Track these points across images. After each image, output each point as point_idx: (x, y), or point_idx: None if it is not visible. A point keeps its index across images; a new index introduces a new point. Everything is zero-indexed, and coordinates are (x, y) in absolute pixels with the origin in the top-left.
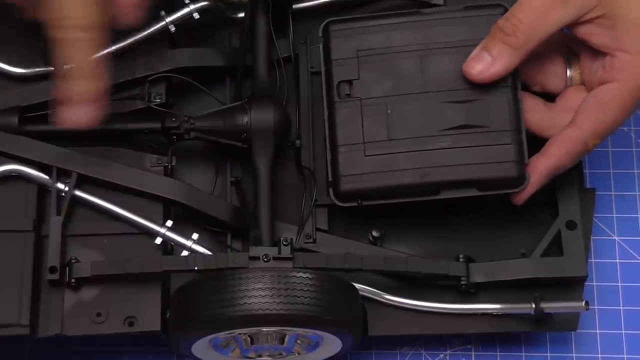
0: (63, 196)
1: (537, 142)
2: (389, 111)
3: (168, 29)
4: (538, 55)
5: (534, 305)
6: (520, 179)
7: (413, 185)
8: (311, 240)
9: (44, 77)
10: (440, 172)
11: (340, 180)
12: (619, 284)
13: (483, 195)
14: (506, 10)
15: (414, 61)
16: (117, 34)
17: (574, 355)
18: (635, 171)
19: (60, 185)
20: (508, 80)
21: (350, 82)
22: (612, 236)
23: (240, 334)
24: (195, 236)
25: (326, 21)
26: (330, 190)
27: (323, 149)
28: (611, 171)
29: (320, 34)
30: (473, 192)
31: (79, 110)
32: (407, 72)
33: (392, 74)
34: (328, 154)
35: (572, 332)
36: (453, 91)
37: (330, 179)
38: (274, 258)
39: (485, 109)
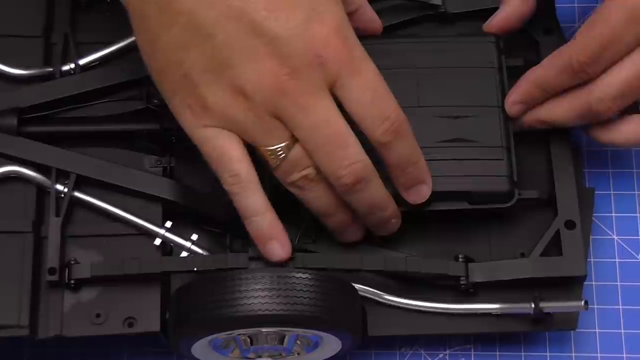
0: (62, 197)
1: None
2: None
3: None
4: None
5: (533, 305)
6: (510, 195)
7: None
8: (311, 240)
9: (44, 78)
10: (433, 183)
11: None
12: (618, 283)
13: (472, 210)
14: (498, 40)
15: (409, 79)
16: (116, 34)
17: (573, 354)
18: (635, 170)
19: (59, 187)
20: (499, 101)
21: None
22: (612, 235)
23: (239, 334)
24: (194, 237)
25: None
26: None
27: None
28: (610, 170)
29: None
30: (464, 205)
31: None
32: (402, 89)
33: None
34: None
35: (572, 332)
36: (447, 107)
37: None
38: None
39: (478, 126)
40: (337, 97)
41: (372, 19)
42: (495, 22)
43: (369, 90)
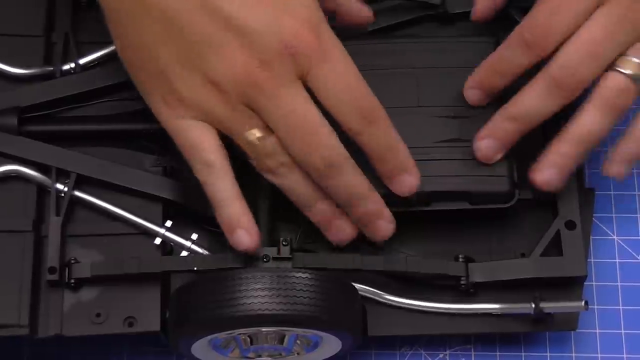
0: (62, 196)
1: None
2: None
3: None
4: None
5: (533, 305)
6: (510, 195)
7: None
8: (310, 240)
9: (44, 77)
10: (433, 183)
11: None
12: (619, 283)
13: (472, 210)
14: (497, 40)
15: (409, 80)
16: None
17: (573, 355)
18: (635, 171)
19: (60, 186)
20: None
21: None
22: (612, 236)
23: (239, 334)
24: (194, 236)
25: None
26: None
27: None
28: None
29: None
30: (464, 205)
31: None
32: (402, 89)
33: (387, 89)
34: None
35: (572, 332)
36: (447, 107)
37: None
38: (274, 258)
39: (478, 126)
40: (310, 88)
41: (359, 10)
42: (478, 11)
43: (341, 80)
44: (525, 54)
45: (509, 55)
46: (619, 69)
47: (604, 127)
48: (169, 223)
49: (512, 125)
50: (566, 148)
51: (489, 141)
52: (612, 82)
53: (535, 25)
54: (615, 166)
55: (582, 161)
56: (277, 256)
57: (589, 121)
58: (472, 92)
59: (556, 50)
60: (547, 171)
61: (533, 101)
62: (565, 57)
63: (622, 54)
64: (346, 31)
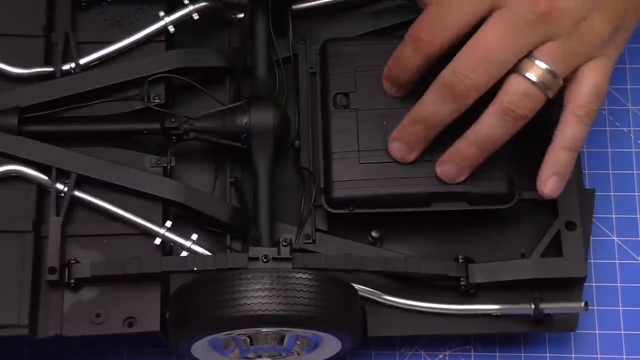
0: (62, 197)
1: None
2: (384, 122)
3: (167, 30)
4: None
5: (533, 306)
6: (509, 196)
7: (405, 194)
8: (310, 240)
9: (45, 77)
10: (432, 183)
11: (333, 186)
12: (618, 284)
13: (472, 210)
14: None
15: None
16: (116, 34)
17: (573, 355)
18: (635, 172)
19: (60, 186)
20: None
21: (347, 94)
22: (612, 237)
23: (239, 334)
24: (194, 237)
25: (323, 41)
26: (322, 197)
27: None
28: (610, 172)
29: (318, 53)
30: (464, 206)
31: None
32: None
33: None
34: (321, 162)
35: (572, 333)
36: None
37: (322, 185)
38: (274, 259)
39: None
40: None
41: None
42: None
43: None
44: (413, 48)
45: (402, 49)
46: (523, 73)
47: (503, 132)
48: (169, 223)
49: (417, 128)
50: (463, 148)
51: (399, 144)
52: (513, 87)
53: (420, 21)
54: (547, 184)
55: (481, 161)
56: (277, 256)
57: (486, 125)
58: (384, 82)
59: (448, 50)
60: (445, 165)
61: (430, 106)
62: (455, 63)
63: (529, 55)
64: (346, 31)
